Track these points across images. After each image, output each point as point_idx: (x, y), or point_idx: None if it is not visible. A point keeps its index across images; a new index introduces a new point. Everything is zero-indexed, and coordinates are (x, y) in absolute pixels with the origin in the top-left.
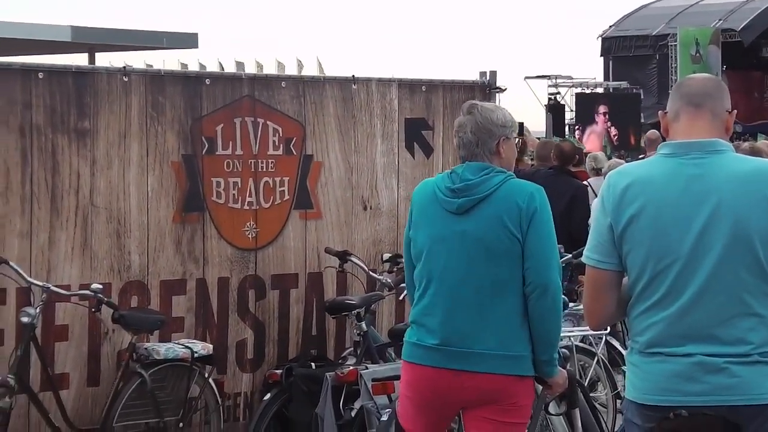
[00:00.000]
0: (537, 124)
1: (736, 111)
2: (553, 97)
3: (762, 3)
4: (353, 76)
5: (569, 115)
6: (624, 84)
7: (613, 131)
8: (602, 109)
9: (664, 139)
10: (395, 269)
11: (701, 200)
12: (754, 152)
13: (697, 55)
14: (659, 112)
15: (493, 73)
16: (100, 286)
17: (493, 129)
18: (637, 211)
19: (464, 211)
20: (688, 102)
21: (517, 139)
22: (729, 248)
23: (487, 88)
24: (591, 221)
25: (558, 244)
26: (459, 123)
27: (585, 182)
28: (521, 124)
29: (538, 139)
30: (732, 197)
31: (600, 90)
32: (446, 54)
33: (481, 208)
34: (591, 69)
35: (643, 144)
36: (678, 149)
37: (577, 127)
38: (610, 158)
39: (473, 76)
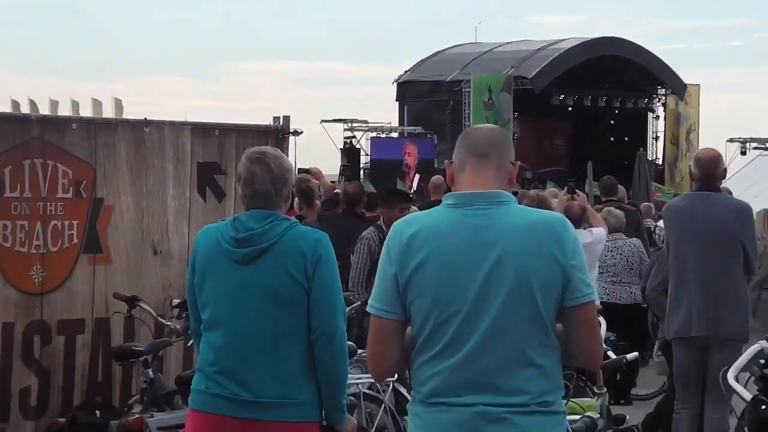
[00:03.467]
0: (333, 167)
1: (519, 162)
2: (348, 141)
3: (553, 51)
4: (146, 119)
5: (364, 159)
6: (419, 129)
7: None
8: (410, 149)
9: (449, 189)
10: (184, 315)
11: (485, 250)
12: (540, 201)
13: (490, 101)
14: (445, 161)
15: (287, 118)
16: None
17: (288, 177)
18: (423, 260)
19: (249, 261)
20: (473, 153)
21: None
22: (511, 298)
23: (280, 132)
24: (378, 268)
25: (349, 290)
26: (250, 172)
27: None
28: (307, 170)
29: (332, 182)
30: (515, 248)
31: (395, 135)
32: (241, 99)
33: (267, 256)
34: (388, 114)
35: (428, 186)
36: (462, 200)
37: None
38: None
39: (267, 121)
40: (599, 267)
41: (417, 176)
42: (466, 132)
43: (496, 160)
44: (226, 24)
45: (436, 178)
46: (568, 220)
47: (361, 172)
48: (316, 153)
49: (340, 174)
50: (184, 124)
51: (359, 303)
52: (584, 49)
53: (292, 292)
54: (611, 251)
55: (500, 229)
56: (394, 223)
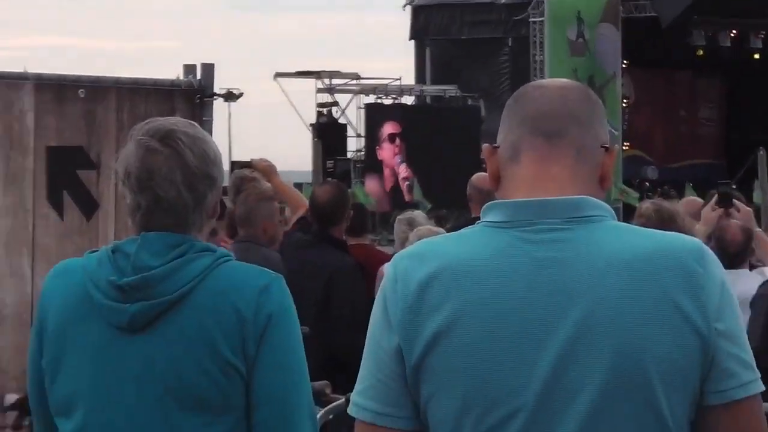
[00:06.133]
0: (299, 154)
1: (617, 147)
2: (325, 110)
3: None
4: None
5: (354, 144)
6: (452, 90)
7: (403, 171)
8: (389, 128)
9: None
10: (26, 423)
11: (559, 307)
12: (663, 219)
13: (580, 40)
14: (484, 146)
15: (209, 68)
16: None
17: (215, 174)
18: (446, 326)
19: (142, 326)
20: (535, 130)
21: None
22: (608, 393)
23: (197, 94)
24: (368, 339)
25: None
26: (146, 166)
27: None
28: (247, 163)
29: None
30: (613, 302)
31: (410, 99)
32: (134, 34)
33: (173, 319)
34: (394, 62)
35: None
36: (518, 215)
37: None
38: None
39: (173, 73)
40: None
41: None
42: (521, 93)
43: (575, 143)
44: None
45: (479, 179)
46: (709, 251)
47: (351, 166)
48: (266, 132)
49: (325, 171)
50: (23, 76)
51: (343, 400)
52: None
53: (217, 384)
54: None
55: (586, 267)
56: (395, 256)
